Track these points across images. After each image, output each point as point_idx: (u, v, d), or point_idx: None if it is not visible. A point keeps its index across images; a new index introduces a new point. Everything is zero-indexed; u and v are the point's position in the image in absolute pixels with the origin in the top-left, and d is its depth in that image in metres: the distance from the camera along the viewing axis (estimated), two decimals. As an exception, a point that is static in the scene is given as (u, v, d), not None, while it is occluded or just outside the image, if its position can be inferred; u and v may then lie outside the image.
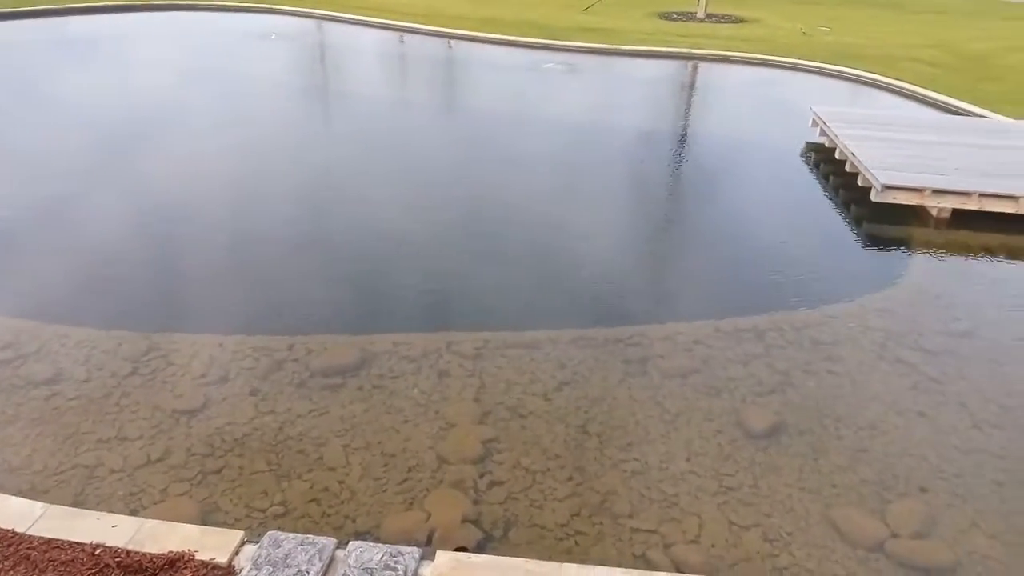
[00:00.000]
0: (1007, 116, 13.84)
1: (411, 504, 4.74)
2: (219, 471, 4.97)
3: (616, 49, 20.10)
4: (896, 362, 6.53)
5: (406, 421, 5.52)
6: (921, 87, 16.09)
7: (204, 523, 4.46)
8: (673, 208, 10.78)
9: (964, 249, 8.99)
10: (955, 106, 14.88)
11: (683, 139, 13.97)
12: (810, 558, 4.42)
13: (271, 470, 4.99)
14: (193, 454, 5.12)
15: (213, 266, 7.94)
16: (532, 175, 11.14)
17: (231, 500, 4.73)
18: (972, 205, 9.38)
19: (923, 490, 5.03)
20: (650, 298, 7.91)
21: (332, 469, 5.01)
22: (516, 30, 21.73)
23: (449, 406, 5.71)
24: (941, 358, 6.63)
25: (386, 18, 23.25)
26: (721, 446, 5.41)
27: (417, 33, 22.20)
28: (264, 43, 20.68)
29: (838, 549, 4.51)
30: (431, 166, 11.45)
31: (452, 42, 20.89)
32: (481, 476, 5.01)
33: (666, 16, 25.52)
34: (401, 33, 22.27)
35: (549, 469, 5.10)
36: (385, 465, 5.07)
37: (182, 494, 4.78)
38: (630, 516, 4.70)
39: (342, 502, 4.73)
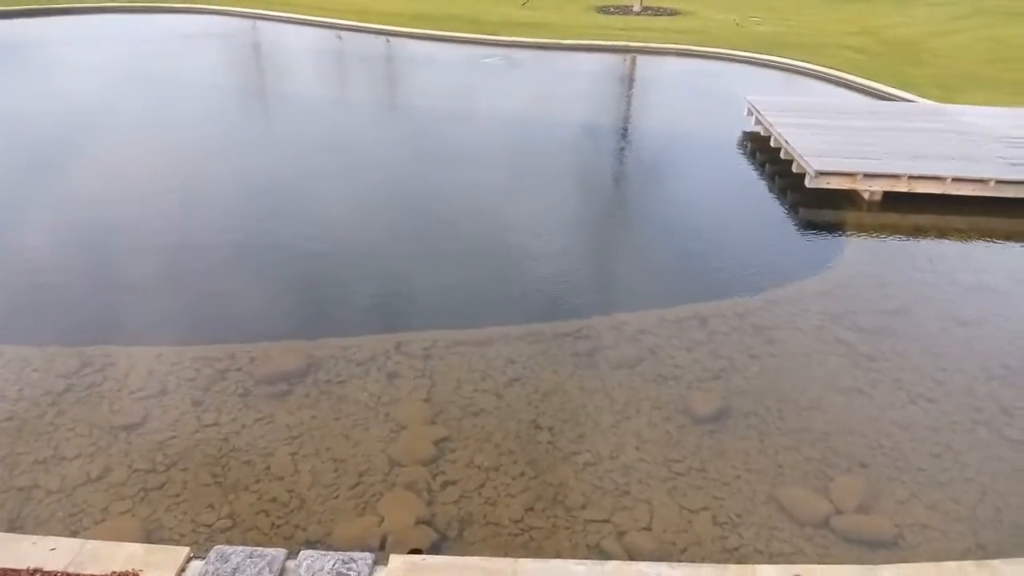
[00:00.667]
0: (932, 100, 14.37)
1: (363, 509, 4.68)
2: (162, 487, 4.83)
3: (556, 43, 20.17)
4: (834, 342, 6.73)
5: (356, 425, 5.45)
6: (850, 74, 16.58)
7: (148, 541, 4.34)
8: (616, 199, 10.88)
9: (895, 230, 9.31)
10: (883, 91, 15.38)
11: (624, 131, 14.12)
12: (758, 538, 4.53)
13: (217, 483, 4.87)
14: (134, 471, 4.96)
15: (146, 275, 7.69)
16: (476, 170, 11.11)
17: (176, 516, 4.61)
18: (902, 187, 9.71)
19: (864, 465, 5.20)
20: (597, 290, 7.98)
21: (280, 478, 4.91)
22: (452, 26, 21.62)
23: (400, 408, 5.66)
24: (876, 337, 6.85)
25: (318, 16, 22.86)
26: (669, 433, 5.50)
27: (351, 30, 21.89)
28: (192, 43, 20.11)
29: (785, 528, 4.64)
30: (374, 164, 11.31)
31: (341, 34, 20.71)
32: (434, 477, 4.99)
33: (603, 10, 25.73)
34: (337, 31, 21.93)
35: (502, 465, 5.10)
36: (335, 471, 5.00)
37: (124, 512, 4.63)
38: (583, 507, 4.74)
39: (292, 511, 4.65)
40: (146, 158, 11.22)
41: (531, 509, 4.71)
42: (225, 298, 7.32)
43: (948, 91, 15.07)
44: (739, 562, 4.25)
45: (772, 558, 4.33)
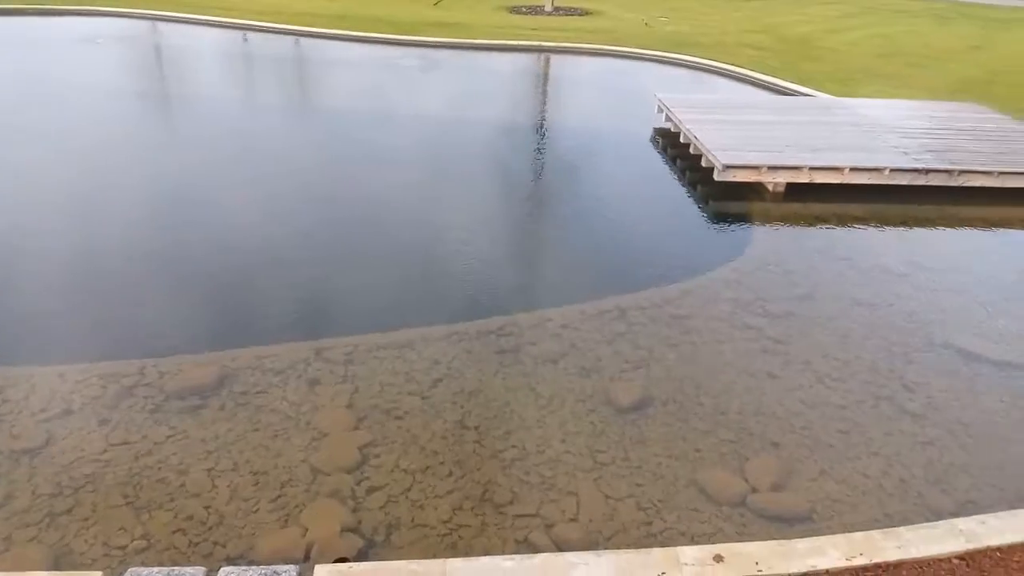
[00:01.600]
0: (830, 94, 15.12)
1: (286, 521, 4.56)
2: (70, 511, 4.58)
3: (470, 43, 20.19)
4: (746, 328, 6.99)
5: (276, 436, 5.31)
6: (753, 70, 17.26)
7: (58, 568, 4.12)
8: (536, 197, 10.98)
9: (799, 219, 9.75)
10: (784, 87, 16.07)
11: (541, 129, 14.26)
12: (680, 521, 4.66)
13: (128, 503, 4.65)
14: (38, 496, 4.69)
15: (40, 291, 7.27)
16: (394, 171, 10.99)
17: (86, 540, 4.37)
18: (803, 178, 10.18)
19: (776, 445, 5.42)
20: (521, 287, 8.03)
21: (197, 495, 4.73)
22: (367, 26, 21.34)
23: (321, 415, 5.55)
24: (785, 321, 7.16)
25: (229, 16, 22.15)
26: (594, 424, 5.59)
27: (264, 32, 21.30)
28: (92, 48, 19.14)
29: (705, 509, 4.78)
30: (288, 168, 11.03)
31: (247, 35, 20.20)
32: (359, 483, 4.91)
33: (515, 10, 25.91)
34: (245, 32, 21.30)
35: (429, 467, 5.07)
36: (256, 484, 4.85)
37: (30, 540, 4.37)
38: (511, 503, 4.76)
39: (210, 528, 4.49)
40: (36, 168, 10.60)
41: (459, 508, 4.70)
42: (131, 312, 6.99)
43: (844, 85, 15.88)
44: (662, 545, 4.35)
45: (694, 539, 4.46)
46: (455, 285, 7.77)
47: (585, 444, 5.36)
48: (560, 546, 4.38)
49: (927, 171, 10.22)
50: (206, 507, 4.64)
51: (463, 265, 8.18)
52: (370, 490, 4.85)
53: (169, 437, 5.23)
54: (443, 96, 16.05)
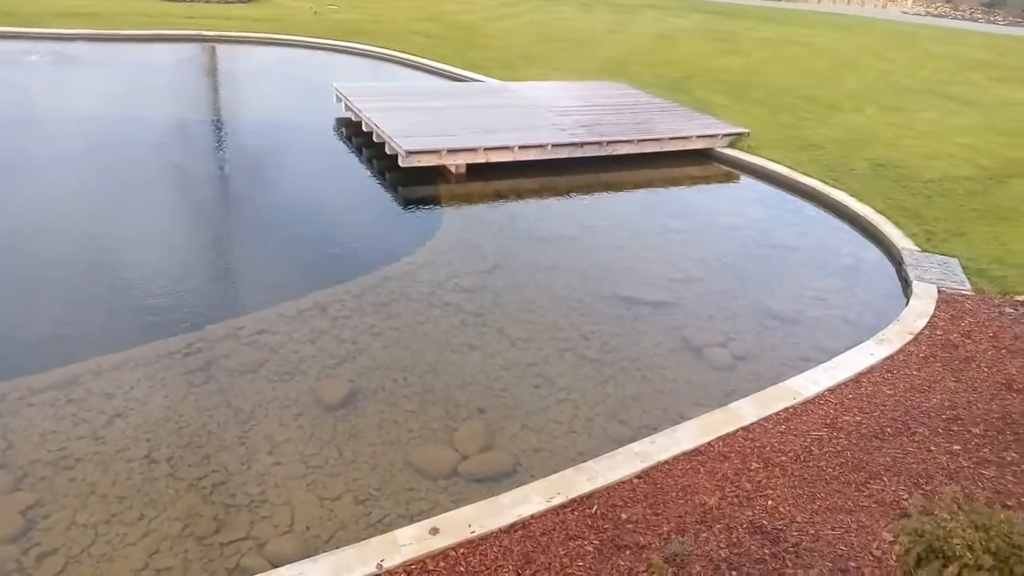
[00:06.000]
0: (497, 78, 16.19)
1: (-73, 623, 3.73)
2: None
3: (115, 35, 18.01)
4: (444, 306, 7.26)
5: (-100, 523, 4.29)
6: (425, 58, 17.84)
7: None
8: (218, 197, 10.19)
9: (481, 197, 10.35)
10: (455, 73, 16.86)
11: (217, 125, 13.25)
12: (398, 504, 4.71)
13: None
14: None
15: None
16: (46, 184, 9.43)
17: None
18: (480, 159, 10.80)
19: (481, 411, 5.72)
20: (207, 297, 7.41)
21: None
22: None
23: (-36, 485, 4.60)
24: (478, 294, 7.56)
25: None
26: (303, 428, 5.39)
27: None
28: None
29: (421, 486, 4.89)
30: None
31: None
32: (26, 552, 4.18)
33: (169, -3, 23.69)
34: None
35: (114, 515, 4.48)
36: None
37: None
38: (217, 532, 4.41)
39: None
40: None
41: (156, 552, 4.23)
42: None
43: (508, 70, 17.12)
44: (384, 532, 4.36)
45: (413, 519, 4.53)
46: (131, 305, 6.93)
47: (295, 451, 5.15)
48: (275, 562, 4.16)
49: (582, 144, 11.47)
50: None
51: (139, 282, 7.32)
52: (42, 556, 4.16)
53: None
54: (98, 96, 14.14)
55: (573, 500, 4.49)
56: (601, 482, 4.66)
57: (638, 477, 4.81)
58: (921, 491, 4.82)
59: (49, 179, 9.78)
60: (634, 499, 4.59)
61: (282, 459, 5.07)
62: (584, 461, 4.99)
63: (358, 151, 11.73)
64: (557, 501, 4.44)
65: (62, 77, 15.34)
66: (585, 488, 4.59)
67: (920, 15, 38.99)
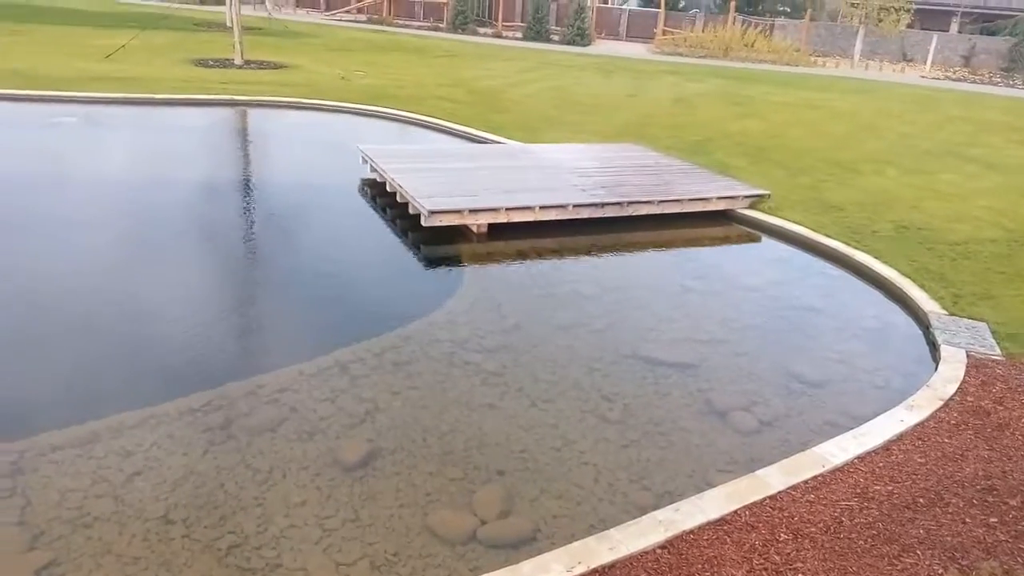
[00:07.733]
0: (518, 140, 16.48)
1: None
2: None
3: (148, 98, 18.64)
4: (464, 365, 7.23)
5: (-85, 582, 4.27)
6: (448, 121, 18.24)
7: None
8: (245, 256, 10.35)
9: (502, 257, 10.41)
10: (478, 135, 17.20)
11: (247, 186, 13.56)
12: (415, 571, 4.60)
13: None
14: None
15: None
16: (75, 240, 9.66)
17: None
18: (502, 219, 10.91)
19: (500, 473, 5.63)
20: (229, 356, 7.47)
21: None
22: (12, 83, 18.65)
23: (-19, 543, 4.58)
24: (499, 353, 7.54)
25: None
26: (320, 489, 5.33)
27: None
28: None
29: (439, 552, 4.78)
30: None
31: None
32: (38, 614, 4.12)
33: (202, 63, 24.58)
34: None
35: (128, 576, 4.43)
36: None
37: None
38: (231, 596, 4.33)
39: None
40: None
41: (169, 617, 4.16)
42: None
43: (529, 132, 17.43)
44: (400, 601, 4.26)
45: (430, 586, 4.43)
46: (153, 363, 6.98)
47: (312, 513, 5.09)
48: (289, 630, 4.07)
49: (603, 204, 11.56)
50: None
51: (165, 340, 7.39)
52: (54, 621, 4.09)
53: None
54: (125, 157, 14.59)
55: (594, 570, 4.36)
56: (624, 552, 4.53)
57: (662, 547, 4.67)
58: (957, 566, 4.63)
59: (74, 238, 10.00)
60: (658, 570, 4.44)
61: (298, 522, 5.00)
62: (606, 529, 4.86)
63: (383, 211, 11.92)
64: (578, 571, 4.31)
65: (95, 138, 15.86)
66: (607, 558, 4.46)
67: (939, 79, 39.38)
